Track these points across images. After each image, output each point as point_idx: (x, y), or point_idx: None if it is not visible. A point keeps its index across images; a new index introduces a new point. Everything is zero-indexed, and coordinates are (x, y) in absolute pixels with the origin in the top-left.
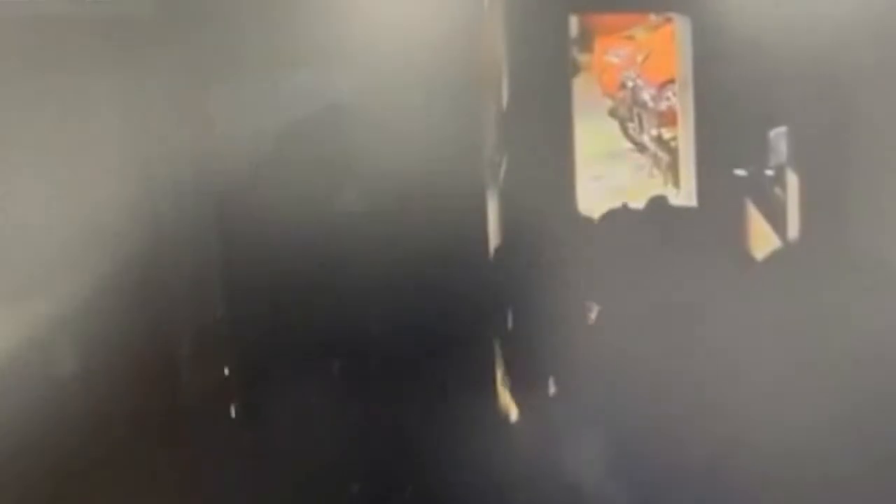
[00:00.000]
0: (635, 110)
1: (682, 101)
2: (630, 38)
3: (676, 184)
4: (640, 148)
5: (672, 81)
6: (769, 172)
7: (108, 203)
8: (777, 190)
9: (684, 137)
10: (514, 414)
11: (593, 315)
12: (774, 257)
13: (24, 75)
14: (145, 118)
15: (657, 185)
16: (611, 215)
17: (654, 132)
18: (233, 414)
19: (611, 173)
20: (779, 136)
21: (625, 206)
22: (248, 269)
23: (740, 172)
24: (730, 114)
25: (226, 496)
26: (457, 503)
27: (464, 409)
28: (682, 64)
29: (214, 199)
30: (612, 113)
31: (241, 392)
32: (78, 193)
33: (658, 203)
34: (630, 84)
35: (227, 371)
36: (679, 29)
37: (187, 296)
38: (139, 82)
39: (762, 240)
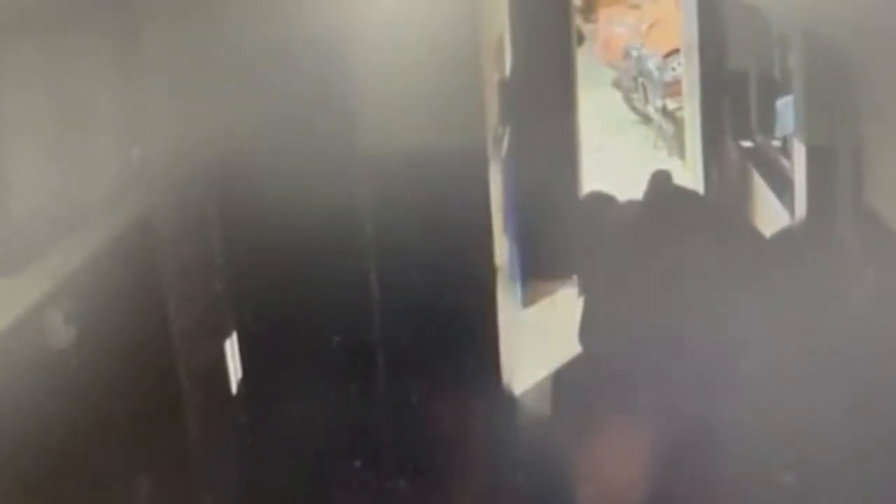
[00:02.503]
0: (640, 80)
1: (687, 71)
2: (635, 6)
3: (682, 155)
4: (645, 119)
5: (677, 51)
6: (776, 143)
7: (104, 175)
8: (784, 161)
9: (690, 108)
10: (516, 389)
11: None
12: (783, 232)
13: (19, 51)
14: (143, 92)
15: (662, 157)
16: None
17: (658, 103)
18: (233, 390)
19: (615, 145)
20: (786, 106)
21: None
22: (249, 243)
23: (747, 143)
24: (736, 83)
25: (225, 472)
26: (458, 478)
27: (467, 386)
28: (687, 32)
29: (215, 170)
30: (617, 83)
31: (241, 368)
32: (73, 166)
33: (661, 178)
34: (635, 54)
35: (226, 347)
36: None
37: (186, 269)
38: (137, 58)
39: (769, 212)
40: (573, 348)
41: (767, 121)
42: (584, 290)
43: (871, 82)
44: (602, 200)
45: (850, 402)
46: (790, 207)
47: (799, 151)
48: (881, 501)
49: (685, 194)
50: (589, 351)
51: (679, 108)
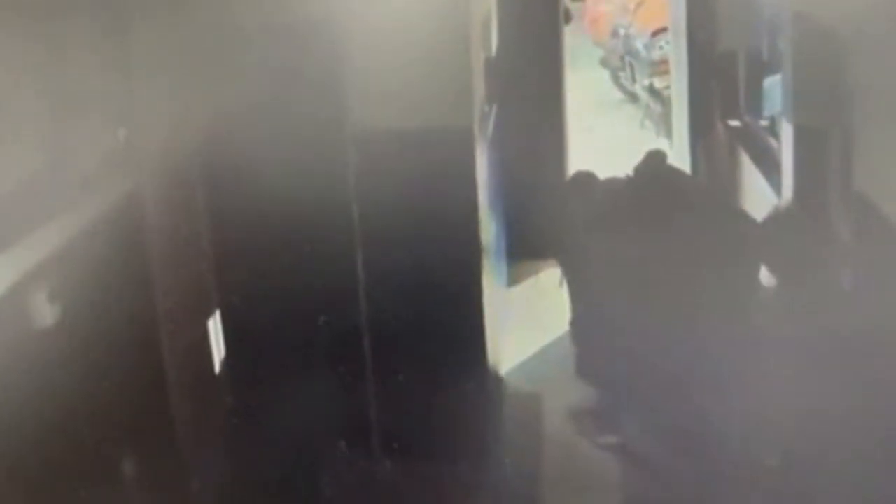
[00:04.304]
0: (627, 59)
1: (675, 50)
2: None
3: (668, 135)
4: (632, 98)
5: (665, 29)
6: (763, 123)
7: (89, 155)
8: (772, 141)
9: (677, 87)
10: (501, 369)
11: None
12: (771, 213)
13: (3, 31)
14: (130, 72)
15: (649, 137)
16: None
17: (646, 81)
18: (217, 370)
19: (601, 124)
20: (774, 85)
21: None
22: (234, 222)
23: (735, 123)
24: (725, 62)
25: (209, 452)
26: (443, 458)
27: (451, 366)
28: (675, 11)
29: (201, 150)
30: (604, 62)
31: (225, 347)
32: (58, 144)
33: (657, 158)
34: (622, 32)
35: (210, 326)
36: None
37: (171, 249)
38: (124, 37)
39: (757, 193)
40: (558, 328)
41: (756, 100)
42: (571, 273)
43: (861, 62)
44: (589, 180)
45: (840, 385)
46: (778, 187)
47: (786, 132)
48: (876, 488)
49: (678, 175)
50: (581, 341)
51: (666, 88)
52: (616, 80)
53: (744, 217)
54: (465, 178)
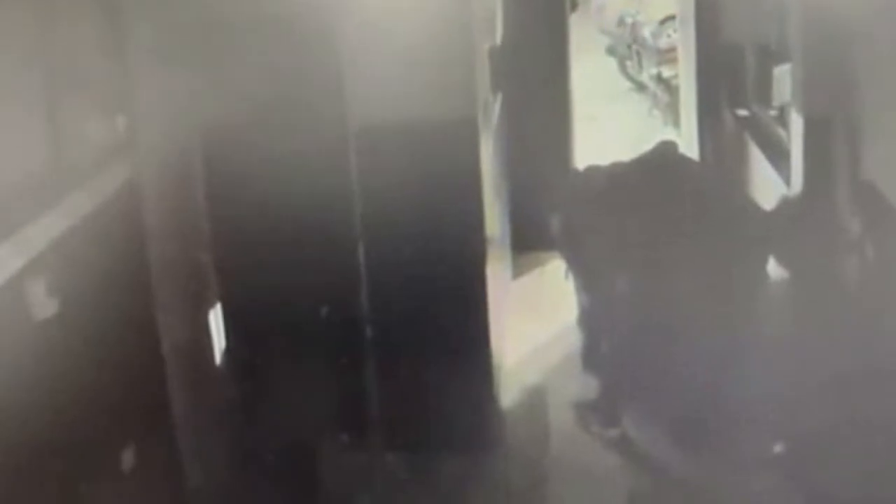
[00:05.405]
0: (634, 47)
1: (683, 38)
2: None
3: (676, 124)
4: (639, 87)
5: (673, 17)
6: (772, 112)
7: (88, 145)
8: (780, 131)
9: (685, 76)
10: (505, 361)
11: None
12: (779, 202)
13: (4, 19)
14: (129, 61)
15: (656, 126)
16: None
17: (653, 70)
18: (217, 362)
19: (608, 113)
20: (783, 75)
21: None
22: (235, 214)
23: (743, 112)
24: (733, 51)
25: (210, 444)
26: (445, 450)
27: (455, 358)
28: None
29: (202, 141)
30: (611, 51)
31: (225, 339)
32: (56, 135)
33: (668, 148)
34: (629, 20)
35: (211, 318)
36: None
37: (171, 241)
38: (123, 27)
39: (765, 182)
40: (561, 320)
41: (764, 90)
42: (576, 265)
43: (869, 52)
44: (596, 173)
45: (846, 372)
46: (786, 177)
47: (796, 121)
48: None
49: (689, 165)
50: (587, 333)
51: (674, 76)
52: (623, 68)
53: (752, 206)
54: (469, 169)
